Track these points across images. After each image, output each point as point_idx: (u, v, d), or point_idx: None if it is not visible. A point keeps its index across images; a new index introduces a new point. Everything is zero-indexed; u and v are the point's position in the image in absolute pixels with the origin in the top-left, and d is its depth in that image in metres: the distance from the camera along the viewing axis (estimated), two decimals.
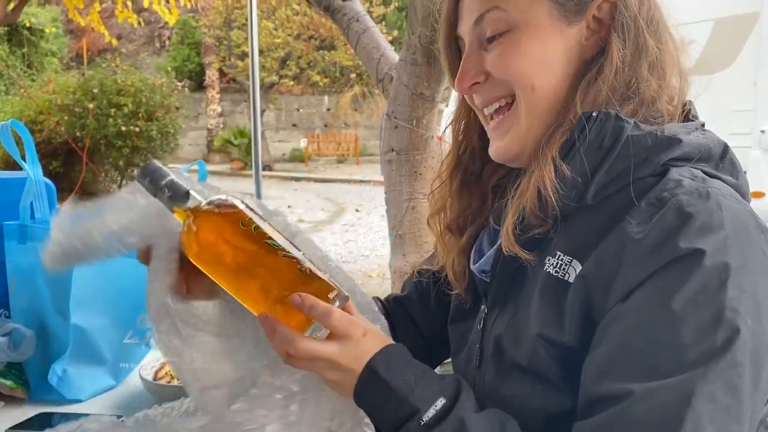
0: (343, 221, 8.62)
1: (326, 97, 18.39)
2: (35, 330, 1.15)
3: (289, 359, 0.71)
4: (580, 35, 0.78)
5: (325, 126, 18.61)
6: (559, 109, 0.77)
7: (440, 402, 0.70)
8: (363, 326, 0.73)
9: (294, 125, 18.66)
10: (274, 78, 16.27)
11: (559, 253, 0.74)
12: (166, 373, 1.15)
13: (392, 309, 1.03)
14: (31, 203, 1.24)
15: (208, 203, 0.73)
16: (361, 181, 13.20)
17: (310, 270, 0.71)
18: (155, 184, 0.73)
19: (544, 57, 0.77)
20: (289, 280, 0.70)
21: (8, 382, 1.11)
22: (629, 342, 0.65)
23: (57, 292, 1.14)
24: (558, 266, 0.74)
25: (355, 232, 7.77)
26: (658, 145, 0.71)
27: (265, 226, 0.72)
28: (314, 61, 16.51)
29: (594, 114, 0.72)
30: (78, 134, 9.36)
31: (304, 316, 0.70)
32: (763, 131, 4.85)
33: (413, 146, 3.07)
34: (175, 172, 0.75)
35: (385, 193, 3.30)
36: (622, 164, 0.71)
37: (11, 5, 7.75)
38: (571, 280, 0.72)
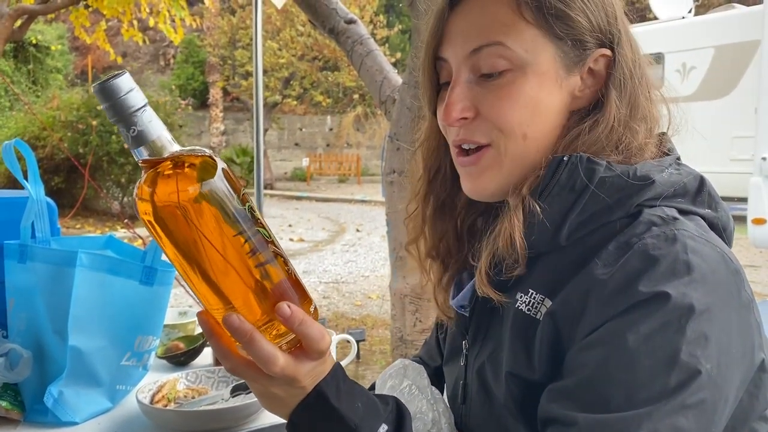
0: (344, 241, 8.61)
1: (329, 117, 18.48)
2: (32, 351, 1.14)
3: (246, 369, 0.65)
4: (575, 86, 0.77)
5: (327, 146, 18.68)
6: (541, 157, 0.76)
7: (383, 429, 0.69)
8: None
9: (296, 144, 18.73)
10: (278, 98, 16.37)
11: (531, 290, 0.74)
12: (163, 397, 1.14)
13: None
14: (32, 223, 1.24)
15: (188, 154, 0.60)
16: (363, 201, 13.21)
17: (296, 274, 0.66)
18: (118, 111, 0.57)
19: (542, 106, 0.75)
20: (277, 282, 0.62)
21: (4, 404, 1.10)
22: (586, 374, 0.66)
23: (55, 313, 1.13)
24: (530, 304, 0.74)
25: (355, 252, 7.76)
26: (630, 187, 0.71)
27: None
28: (317, 82, 16.63)
29: (565, 158, 0.72)
30: (81, 151, 9.40)
31: (267, 317, 0.63)
32: (764, 158, 4.86)
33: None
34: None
35: (387, 214, 3.31)
36: (595, 206, 0.71)
37: (18, 22, 7.83)
38: (541, 317, 0.72)
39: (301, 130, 18.79)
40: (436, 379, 0.96)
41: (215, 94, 17.52)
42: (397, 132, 3.11)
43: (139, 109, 0.58)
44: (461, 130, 0.78)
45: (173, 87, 14.96)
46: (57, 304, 1.13)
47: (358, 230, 9.43)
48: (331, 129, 18.69)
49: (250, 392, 1.13)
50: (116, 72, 0.59)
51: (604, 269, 0.68)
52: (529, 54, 0.74)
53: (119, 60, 8.91)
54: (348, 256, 7.43)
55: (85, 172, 6.26)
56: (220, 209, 0.59)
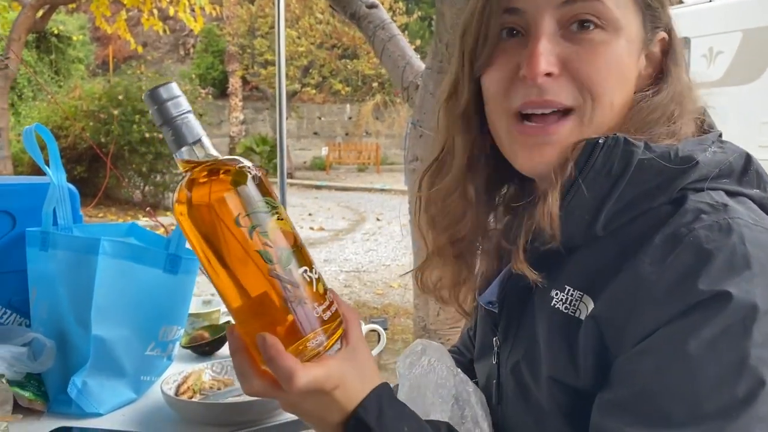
0: (364, 230, 8.58)
1: (348, 106, 18.43)
2: (55, 340, 1.12)
3: (281, 393, 0.62)
4: (641, 65, 0.73)
5: (347, 134, 18.64)
6: (606, 132, 0.70)
7: None
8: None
9: (315, 133, 18.71)
10: (297, 86, 16.35)
11: (567, 287, 0.69)
12: (188, 388, 1.11)
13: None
14: (54, 210, 1.22)
15: (226, 162, 0.62)
16: (382, 190, 13.17)
17: (331, 291, 0.65)
18: (163, 114, 0.62)
19: (629, 75, 0.71)
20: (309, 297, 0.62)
21: (27, 394, 1.08)
22: (643, 386, 0.60)
23: (78, 302, 1.10)
24: (567, 302, 0.68)
25: (376, 241, 7.73)
26: (672, 169, 0.65)
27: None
28: (336, 70, 16.57)
29: (600, 140, 0.66)
30: (102, 140, 9.46)
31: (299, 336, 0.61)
32: None
33: None
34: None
35: (409, 202, 3.26)
36: (634, 191, 0.65)
37: (40, 12, 7.87)
38: (583, 317, 0.66)
39: (320, 119, 18.76)
40: (472, 373, 0.92)
41: (234, 83, 17.53)
42: (420, 118, 3.05)
43: (183, 114, 0.62)
44: (539, 89, 0.69)
45: (193, 76, 15.00)
46: (79, 292, 1.10)
47: (378, 219, 9.40)
48: (350, 118, 18.64)
49: None
50: (165, 81, 0.63)
51: (653, 267, 0.61)
52: (622, 17, 0.69)
53: (140, 49, 8.94)
54: (369, 245, 7.40)
55: (107, 160, 6.30)
56: (239, 213, 0.60)
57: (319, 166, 17.83)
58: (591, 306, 0.66)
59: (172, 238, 1.19)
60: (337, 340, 0.63)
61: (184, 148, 0.62)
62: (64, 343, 1.13)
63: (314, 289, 0.62)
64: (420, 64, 3.33)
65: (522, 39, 0.71)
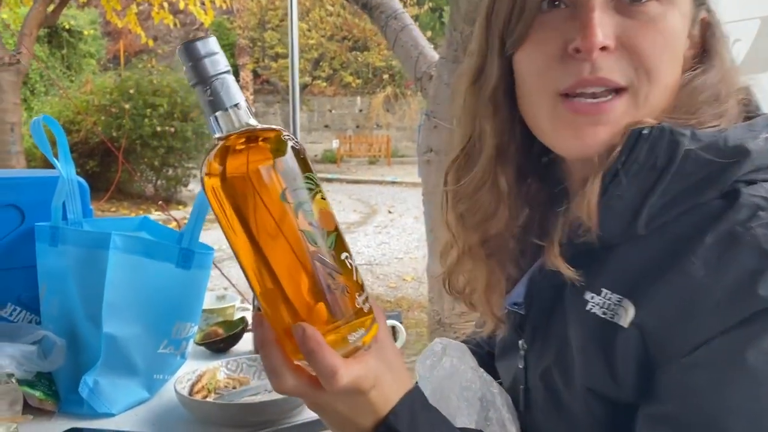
0: (376, 223, 8.54)
1: (358, 98, 18.35)
2: (66, 338, 1.09)
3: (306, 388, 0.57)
4: (685, 44, 0.68)
5: (357, 127, 18.57)
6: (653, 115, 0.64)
7: None
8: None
9: (326, 126, 18.67)
10: (307, 79, 16.30)
11: (604, 290, 0.64)
12: (203, 387, 1.07)
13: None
14: (64, 204, 1.18)
15: (265, 130, 0.55)
16: (393, 183, 13.12)
17: (353, 274, 0.58)
18: (198, 72, 0.54)
19: (680, 50, 0.65)
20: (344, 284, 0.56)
21: (37, 393, 1.04)
22: (696, 400, 0.55)
23: (88, 299, 1.07)
24: (604, 306, 0.63)
25: (388, 234, 7.69)
26: (721, 162, 0.59)
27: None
28: (347, 62, 16.49)
29: (645, 131, 0.61)
30: (114, 134, 9.45)
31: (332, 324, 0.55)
32: None
33: (453, 147, 2.97)
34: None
35: (423, 194, 3.21)
36: (681, 185, 0.60)
37: (51, 7, 7.86)
38: (624, 323, 0.61)
39: (330, 111, 18.71)
40: (490, 367, 0.88)
41: (245, 76, 17.50)
42: (434, 109, 3.00)
43: (221, 73, 0.55)
44: (593, 66, 0.62)
45: None
46: (90, 289, 1.07)
47: (389, 212, 9.35)
48: (360, 110, 18.57)
49: None
50: (203, 35, 0.56)
51: (706, 270, 0.56)
52: None
53: (150, 43, 8.89)
54: (381, 238, 7.36)
55: (118, 155, 6.29)
56: (285, 187, 0.54)
57: (330, 158, 17.79)
58: (632, 311, 0.61)
59: (184, 232, 1.16)
60: (374, 336, 0.58)
61: (219, 113, 0.54)
62: (75, 341, 1.09)
63: (355, 278, 0.57)
64: (433, 54, 3.27)
65: (566, 11, 0.65)
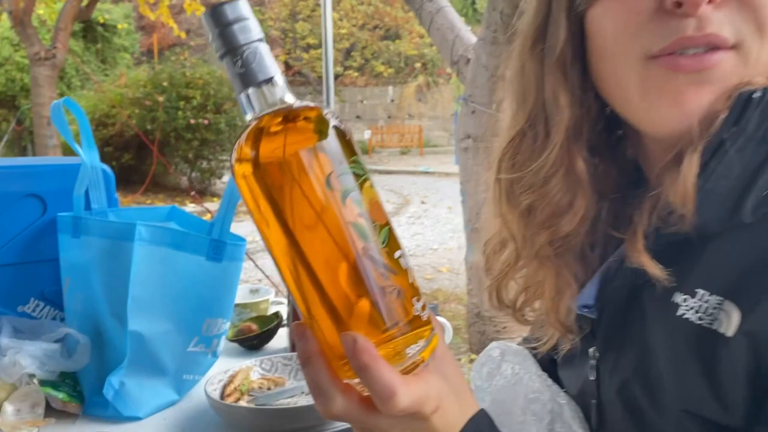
0: (409, 213, 8.44)
1: (390, 88, 18.23)
2: (91, 335, 1.02)
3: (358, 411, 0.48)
4: None
5: (389, 117, 18.46)
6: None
7: None
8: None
9: (358, 117, 18.60)
10: (339, 69, 16.24)
11: (701, 291, 0.53)
12: (235, 389, 0.99)
13: None
14: (88, 193, 1.11)
15: (304, 108, 0.47)
16: (426, 173, 12.99)
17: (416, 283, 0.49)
18: (226, 40, 0.46)
19: None
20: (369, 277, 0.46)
21: (61, 395, 0.98)
22: None
23: (113, 294, 1.00)
24: (701, 310, 0.53)
25: (421, 224, 7.58)
26: None
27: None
28: (378, 52, 16.37)
29: (757, 94, 0.51)
30: (148, 127, 9.51)
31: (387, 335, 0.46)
32: None
33: (493, 133, 2.85)
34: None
35: (461, 183, 3.11)
36: None
37: (85, 2, 7.91)
38: (727, 331, 0.51)
39: (362, 102, 18.62)
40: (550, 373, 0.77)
41: None
42: (472, 93, 2.89)
43: (253, 42, 0.47)
44: (699, 22, 0.52)
45: None
46: (114, 283, 1.00)
47: (423, 202, 9.24)
48: (392, 100, 18.44)
49: None
50: None
51: None
52: None
53: (183, 35, 8.92)
54: (414, 229, 7.26)
55: (153, 148, 6.30)
56: (330, 172, 0.45)
57: (362, 149, 17.59)
58: (736, 316, 0.50)
59: (215, 221, 1.08)
60: (434, 349, 0.49)
61: (251, 89, 0.46)
62: (100, 339, 1.02)
63: (411, 280, 0.47)
64: (470, 37, 3.16)
65: None
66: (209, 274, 1.05)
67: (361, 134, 17.84)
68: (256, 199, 0.45)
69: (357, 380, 0.46)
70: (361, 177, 0.46)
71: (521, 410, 0.68)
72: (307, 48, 15.71)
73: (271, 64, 0.47)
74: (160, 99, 9.70)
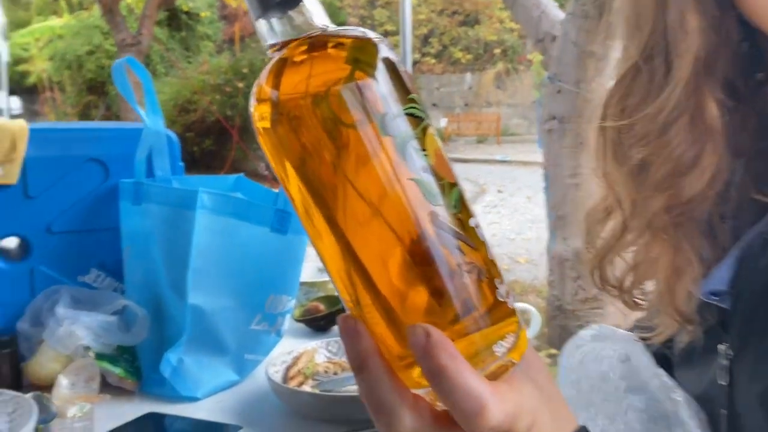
0: (485, 202, 8.25)
1: (468, 75, 17.94)
2: (150, 308, 0.96)
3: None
4: None
5: (466, 105, 18.18)
6: None
7: None
8: None
9: (434, 105, 18.41)
10: (416, 56, 16.10)
11: None
12: (299, 372, 0.91)
13: None
14: (151, 160, 1.06)
15: (340, 33, 0.36)
16: (503, 162, 12.71)
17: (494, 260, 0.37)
18: None
19: None
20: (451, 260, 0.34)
21: (117, 370, 0.92)
22: None
23: (173, 265, 0.93)
24: None
25: (498, 213, 7.39)
26: None
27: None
28: (457, 38, 16.11)
29: None
30: (228, 113, 9.70)
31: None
32: None
33: (579, 113, 2.68)
34: None
35: (544, 168, 2.95)
36: None
37: None
38: None
39: (438, 89, 18.42)
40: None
41: None
42: (558, 72, 2.72)
43: None
44: None
45: None
46: (175, 254, 0.93)
47: (500, 191, 9.02)
48: (470, 87, 18.14)
49: None
50: None
51: None
52: None
53: None
54: (491, 218, 7.09)
55: (233, 133, 6.39)
56: (371, 117, 0.33)
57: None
58: None
59: (281, 191, 1.00)
60: (524, 348, 0.37)
61: (273, 13, 0.35)
62: (159, 312, 0.96)
63: (490, 257, 0.36)
64: (557, 13, 2.98)
65: None
66: (274, 247, 0.97)
67: (437, 122, 17.67)
68: (277, 152, 0.35)
69: (428, 389, 0.34)
70: (423, 122, 0.35)
71: (617, 401, 0.56)
72: (385, 35, 15.59)
73: None
74: (240, 85, 9.88)
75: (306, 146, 0.34)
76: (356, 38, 0.36)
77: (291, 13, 0.36)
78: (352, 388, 0.89)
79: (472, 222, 0.35)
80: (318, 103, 0.33)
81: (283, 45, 0.36)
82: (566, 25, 2.67)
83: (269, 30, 0.36)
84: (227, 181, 1.13)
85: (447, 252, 0.33)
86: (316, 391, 0.86)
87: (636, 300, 0.60)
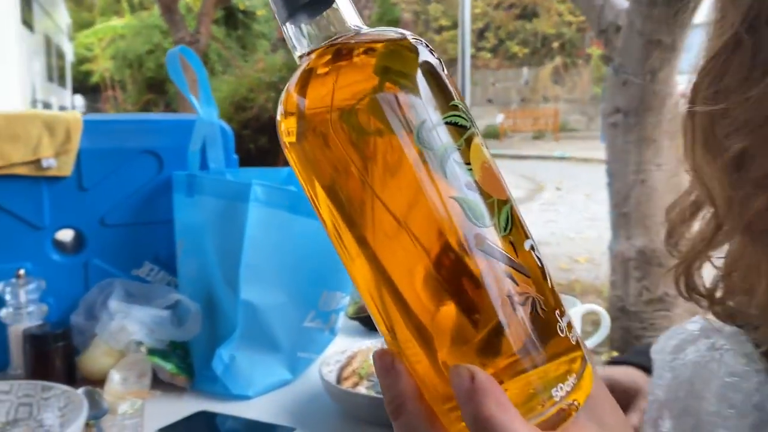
0: (542, 200, 8.08)
1: (525, 70, 17.65)
2: (203, 303, 0.94)
3: None
4: None
5: (522, 100, 17.90)
6: None
7: None
8: None
9: (489, 101, 18.20)
10: (472, 51, 15.95)
11: None
12: (353, 372, 0.87)
13: None
14: (205, 152, 1.04)
15: (374, 36, 0.32)
16: (561, 158, 12.44)
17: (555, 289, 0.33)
18: None
19: None
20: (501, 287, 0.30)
21: (169, 366, 0.90)
22: None
23: (226, 259, 0.91)
24: None
25: (556, 211, 7.22)
26: None
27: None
28: (513, 32, 15.86)
29: None
30: None
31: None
32: None
33: (646, 106, 2.56)
34: None
35: (607, 163, 2.83)
36: None
37: None
38: None
39: (494, 85, 18.18)
40: None
41: None
42: (623, 62, 2.60)
43: None
44: None
45: None
46: (228, 247, 0.91)
47: (558, 188, 8.82)
48: (526, 82, 17.85)
49: None
50: None
51: None
52: None
53: None
54: (548, 216, 6.92)
55: None
56: (404, 129, 0.29)
57: (493, 134, 17.30)
58: None
59: None
60: (589, 388, 0.32)
61: (301, 17, 0.32)
62: (212, 307, 0.94)
63: (549, 284, 0.31)
64: (621, 2, 2.85)
65: None
66: (327, 242, 0.93)
67: (492, 118, 17.45)
68: (306, 169, 0.32)
69: None
70: (467, 132, 0.30)
71: (715, 397, 0.49)
72: (440, 30, 15.51)
73: None
74: None
75: (334, 164, 0.30)
76: (388, 42, 0.31)
77: (318, 17, 0.32)
78: None
79: (527, 245, 0.31)
80: (344, 117, 0.30)
81: (312, 51, 0.32)
82: (631, 14, 2.55)
83: (296, 35, 0.33)
84: (281, 173, 1.10)
85: (496, 281, 0.29)
86: (372, 393, 0.82)
87: (730, 312, 0.53)
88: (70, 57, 20.63)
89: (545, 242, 5.64)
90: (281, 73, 10.15)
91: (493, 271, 0.29)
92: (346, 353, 0.91)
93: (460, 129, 0.30)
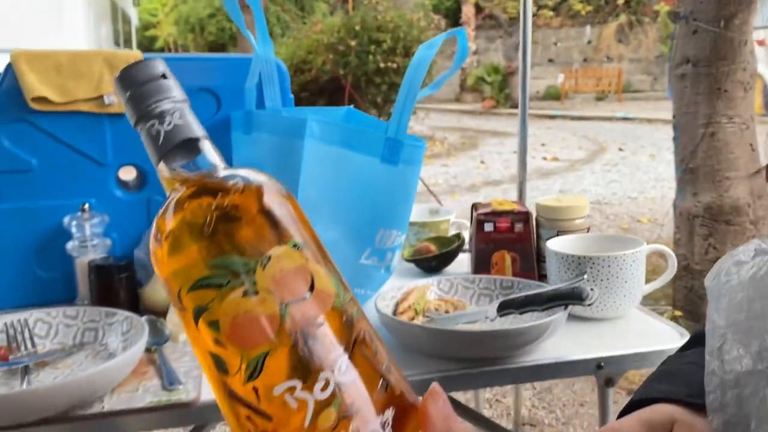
0: (604, 161, 7.85)
1: (588, 28, 17.03)
2: None
3: None
4: None
5: (585, 60, 17.32)
6: None
7: None
8: None
9: (550, 60, 17.69)
10: (533, 9, 15.47)
11: None
12: (409, 307, 0.87)
13: None
14: (262, 90, 1.03)
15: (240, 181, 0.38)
16: (625, 119, 12.03)
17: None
18: (138, 102, 0.36)
19: None
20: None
21: None
22: None
23: None
24: None
25: (618, 172, 7.01)
26: None
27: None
28: None
29: None
30: (341, 72, 9.77)
31: None
32: None
33: (718, 55, 2.43)
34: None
35: (674, 117, 2.71)
36: None
37: None
38: None
39: (555, 44, 17.64)
40: None
41: (468, 11, 17.09)
42: (695, 9, 2.47)
43: (165, 101, 0.37)
44: None
45: (426, 2, 14.86)
46: (285, 183, 0.91)
47: (620, 149, 8.55)
48: (589, 42, 17.24)
49: (525, 311, 0.81)
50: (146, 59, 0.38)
51: None
52: None
53: None
54: (610, 176, 6.73)
55: (347, 86, 6.42)
56: (176, 291, 0.34)
57: (553, 95, 16.85)
58: None
59: (391, 120, 0.95)
60: None
61: (171, 159, 0.37)
62: None
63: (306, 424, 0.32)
64: None
65: None
66: (384, 178, 0.92)
67: (554, 78, 16.97)
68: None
69: None
70: (222, 289, 0.33)
71: None
72: None
73: (190, 129, 0.38)
74: (353, 43, 9.89)
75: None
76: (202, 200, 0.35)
77: (185, 159, 0.37)
78: (463, 327, 0.84)
79: (280, 388, 0.32)
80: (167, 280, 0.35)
81: (182, 183, 0.36)
82: None
83: (168, 171, 0.37)
84: (338, 112, 1.10)
85: (237, 421, 0.33)
86: (429, 325, 0.82)
87: None
88: (135, 22, 21.06)
89: (607, 202, 5.50)
90: (339, 35, 10.10)
91: (235, 413, 0.33)
92: (402, 290, 0.91)
93: (214, 289, 0.33)
